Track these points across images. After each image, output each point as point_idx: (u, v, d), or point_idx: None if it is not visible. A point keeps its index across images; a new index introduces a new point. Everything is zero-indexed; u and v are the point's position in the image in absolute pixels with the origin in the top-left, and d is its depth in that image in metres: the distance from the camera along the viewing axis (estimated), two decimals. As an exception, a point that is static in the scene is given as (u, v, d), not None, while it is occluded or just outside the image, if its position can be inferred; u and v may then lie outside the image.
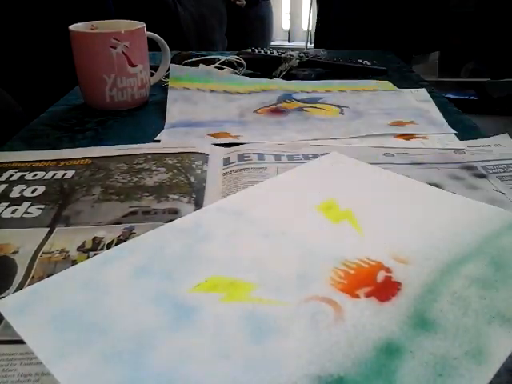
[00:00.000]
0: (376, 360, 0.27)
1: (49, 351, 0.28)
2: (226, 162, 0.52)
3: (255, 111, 0.67)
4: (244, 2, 1.93)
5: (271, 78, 0.81)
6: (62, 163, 0.52)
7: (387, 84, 0.80)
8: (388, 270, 0.34)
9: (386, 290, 0.33)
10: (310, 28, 2.70)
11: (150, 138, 0.59)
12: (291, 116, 0.66)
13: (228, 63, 0.82)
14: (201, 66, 0.79)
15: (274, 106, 0.69)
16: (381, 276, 0.34)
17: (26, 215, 0.41)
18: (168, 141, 0.57)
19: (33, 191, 0.45)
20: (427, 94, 0.75)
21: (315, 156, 0.52)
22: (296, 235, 0.38)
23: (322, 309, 0.31)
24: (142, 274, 0.34)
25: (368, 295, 0.32)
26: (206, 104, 0.69)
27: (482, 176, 0.48)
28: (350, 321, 0.30)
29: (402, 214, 0.41)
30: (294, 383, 0.26)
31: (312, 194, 0.44)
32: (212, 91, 0.73)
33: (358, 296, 0.32)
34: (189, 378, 0.26)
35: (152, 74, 0.73)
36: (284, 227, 0.39)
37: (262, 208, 0.42)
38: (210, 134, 0.59)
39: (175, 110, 0.66)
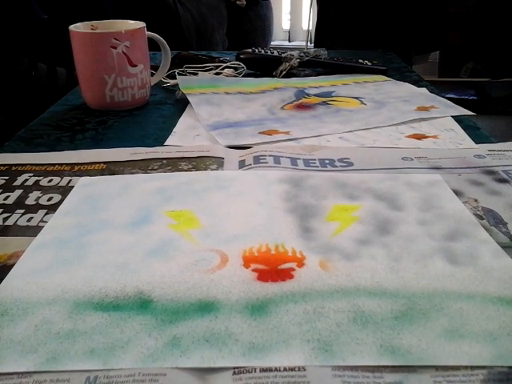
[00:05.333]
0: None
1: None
2: (242, 164, 0.51)
3: (282, 108, 0.66)
4: (244, 2, 1.93)
5: (271, 77, 0.81)
6: (76, 168, 0.51)
7: (382, 78, 0.82)
8: (300, 265, 0.35)
9: (273, 275, 0.34)
10: (310, 28, 2.70)
11: (151, 137, 0.59)
12: (320, 110, 0.65)
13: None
14: (200, 74, 0.78)
15: (297, 102, 0.68)
16: (286, 266, 0.35)
17: (41, 224, 0.41)
18: (224, 142, 0.55)
19: (49, 199, 0.45)
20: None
21: (331, 162, 0.51)
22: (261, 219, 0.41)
23: (211, 256, 0.36)
24: (161, 191, 0.45)
25: (255, 270, 0.34)
26: (229, 105, 0.67)
27: (503, 181, 0.47)
28: (220, 273, 0.34)
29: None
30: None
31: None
32: (227, 93, 0.72)
33: (248, 266, 0.35)
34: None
35: (152, 74, 0.73)
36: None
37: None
38: (260, 132, 0.58)
39: (204, 112, 0.64)
